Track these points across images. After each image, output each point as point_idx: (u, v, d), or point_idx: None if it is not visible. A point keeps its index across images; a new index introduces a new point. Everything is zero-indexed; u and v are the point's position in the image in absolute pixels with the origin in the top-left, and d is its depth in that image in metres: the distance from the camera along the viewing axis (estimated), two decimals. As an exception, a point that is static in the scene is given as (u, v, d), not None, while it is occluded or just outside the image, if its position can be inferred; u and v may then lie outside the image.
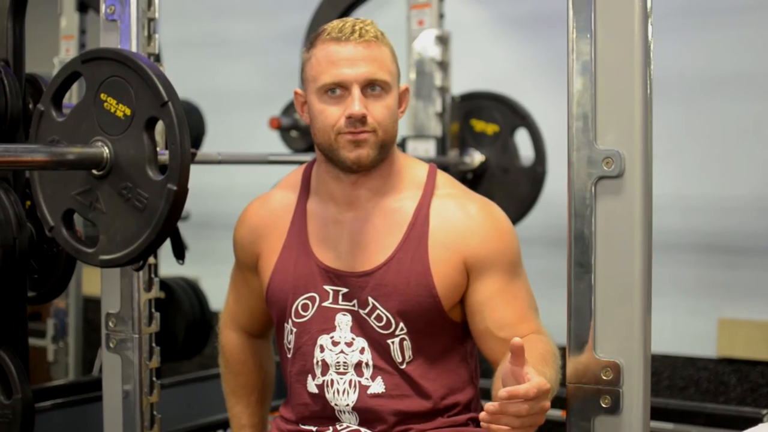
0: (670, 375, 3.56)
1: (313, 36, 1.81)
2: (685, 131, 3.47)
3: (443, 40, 3.22)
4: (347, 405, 1.81)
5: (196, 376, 3.33)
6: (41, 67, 2.75)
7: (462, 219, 1.81)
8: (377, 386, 1.79)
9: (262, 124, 3.34)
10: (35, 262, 2.00)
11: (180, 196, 1.61)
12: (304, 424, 1.87)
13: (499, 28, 3.98)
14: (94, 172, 1.67)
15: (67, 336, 3.79)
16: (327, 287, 1.83)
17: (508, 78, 3.74)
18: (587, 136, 1.48)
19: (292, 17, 3.99)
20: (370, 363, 1.80)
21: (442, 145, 3.21)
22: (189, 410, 2.97)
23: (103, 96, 1.66)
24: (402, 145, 3.18)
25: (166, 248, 1.90)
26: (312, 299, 1.84)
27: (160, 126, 1.67)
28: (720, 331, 3.46)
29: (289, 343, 1.87)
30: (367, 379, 1.80)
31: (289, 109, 3.36)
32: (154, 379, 1.97)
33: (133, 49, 1.88)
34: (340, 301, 1.82)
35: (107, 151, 1.65)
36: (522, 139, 3.25)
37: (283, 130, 3.33)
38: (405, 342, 1.79)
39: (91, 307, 3.71)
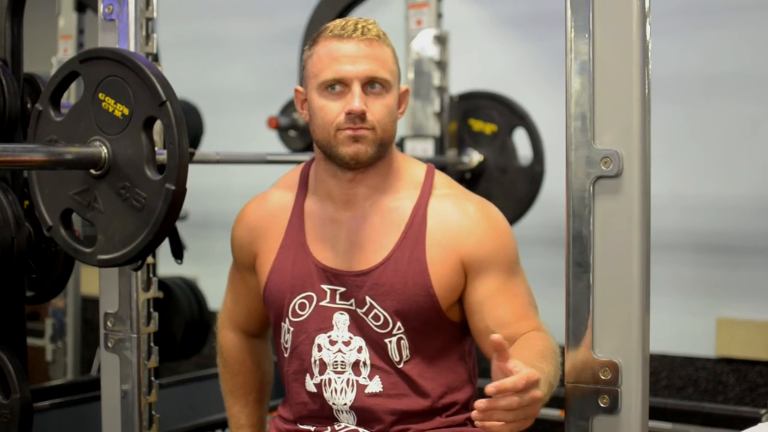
0: (669, 375, 3.56)
1: (315, 34, 1.81)
2: (684, 131, 3.47)
3: (441, 40, 3.22)
4: (345, 404, 1.81)
5: (195, 375, 3.33)
6: (39, 67, 2.75)
7: (459, 219, 1.81)
8: (375, 385, 1.79)
9: (260, 123, 3.34)
10: (33, 261, 2.00)
11: (178, 195, 1.61)
12: (302, 424, 1.87)
13: (497, 28, 3.98)
14: (93, 171, 1.67)
15: (65, 336, 3.79)
16: (324, 286, 1.83)
17: (507, 78, 3.74)
18: (585, 135, 1.48)
19: (290, 17, 3.99)
20: (368, 362, 1.80)
21: (440, 145, 3.22)
22: (187, 410, 2.97)
23: (101, 96, 1.66)
24: (400, 145, 3.19)
25: (165, 248, 1.90)
26: (309, 298, 1.84)
27: (158, 126, 1.67)
28: (718, 330, 3.46)
29: (286, 343, 1.87)
30: (364, 378, 1.80)
31: (287, 108, 3.36)
32: (153, 378, 1.97)
33: (132, 48, 1.88)
34: (337, 301, 1.82)
35: (105, 150, 1.65)
36: (520, 138, 3.25)
37: (282, 130, 3.33)
38: (402, 341, 1.80)
39: (89, 306, 3.71)
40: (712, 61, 3.47)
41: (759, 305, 3.40)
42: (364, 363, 1.80)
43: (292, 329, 1.85)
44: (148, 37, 1.92)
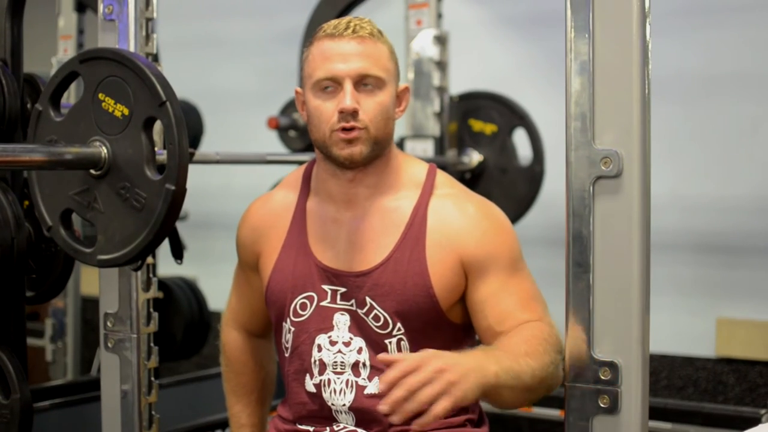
0: (669, 375, 3.56)
1: (312, 34, 1.82)
2: (684, 131, 3.47)
3: (441, 40, 3.22)
4: (344, 405, 1.80)
5: (195, 376, 3.33)
6: (39, 67, 2.75)
7: (459, 219, 1.80)
8: (374, 386, 1.79)
9: (260, 123, 3.34)
10: (33, 261, 2.00)
11: (178, 195, 1.61)
12: (301, 424, 1.87)
13: (497, 28, 3.98)
14: (92, 171, 1.67)
15: (65, 336, 3.80)
16: (325, 287, 1.83)
17: (507, 78, 3.74)
18: (585, 135, 1.48)
19: (290, 17, 3.99)
20: (368, 363, 1.80)
21: (440, 145, 3.22)
22: (187, 410, 2.97)
23: (101, 96, 1.66)
24: (400, 145, 3.19)
25: (165, 248, 1.90)
26: (310, 298, 1.84)
27: (158, 126, 1.67)
28: (718, 330, 3.47)
29: (287, 343, 1.87)
30: (364, 379, 1.80)
31: (287, 109, 3.37)
32: (153, 379, 1.97)
33: (131, 48, 1.88)
34: (338, 301, 1.82)
35: (105, 151, 1.65)
36: (520, 138, 3.25)
37: (282, 130, 3.33)
38: (403, 342, 1.79)
39: (89, 306, 3.72)
40: (712, 61, 3.47)
41: (759, 305, 3.40)
42: (364, 364, 1.80)
43: (293, 329, 1.85)
44: (148, 37, 1.92)
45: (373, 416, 1.79)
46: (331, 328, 1.82)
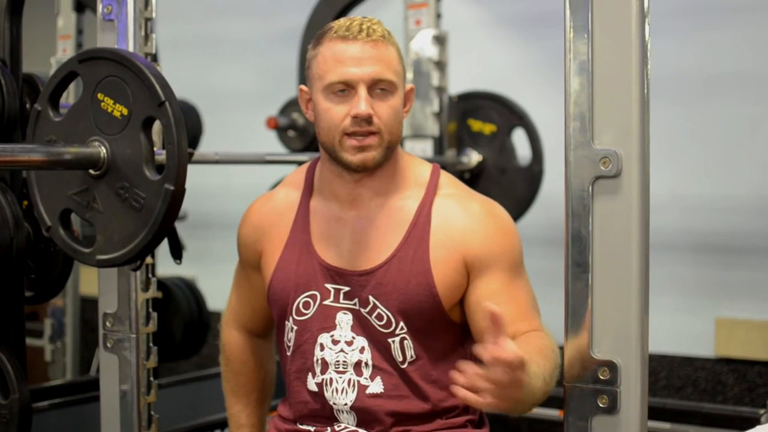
0: (668, 375, 3.56)
1: (319, 33, 1.80)
2: (683, 131, 3.47)
3: (440, 40, 3.22)
4: (345, 404, 1.80)
5: (194, 376, 3.33)
6: (38, 67, 2.74)
7: (463, 219, 1.80)
8: (376, 386, 1.79)
9: (259, 123, 3.34)
10: (32, 261, 2.00)
11: (177, 195, 1.61)
12: (302, 424, 1.87)
13: (496, 28, 3.98)
14: (91, 171, 1.67)
15: (64, 336, 3.80)
16: (328, 285, 1.83)
17: (506, 78, 3.74)
18: (584, 135, 1.48)
19: (289, 17, 3.99)
20: (370, 362, 1.80)
21: (439, 145, 3.22)
22: (186, 410, 2.97)
23: (100, 96, 1.66)
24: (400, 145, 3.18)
25: (164, 248, 1.90)
26: (313, 297, 1.83)
27: (157, 126, 1.67)
28: (717, 330, 3.47)
29: (290, 341, 1.87)
30: (366, 378, 1.80)
31: (286, 108, 3.36)
32: (152, 379, 1.97)
33: (130, 48, 1.88)
34: (341, 300, 1.82)
35: (104, 150, 1.65)
36: (519, 138, 3.26)
37: (281, 130, 3.33)
38: (406, 341, 1.79)
39: (88, 306, 3.71)
40: (712, 61, 3.47)
41: (758, 305, 3.40)
42: (366, 363, 1.80)
43: (295, 328, 1.85)
44: (147, 37, 1.92)
45: (375, 416, 1.79)
46: (333, 327, 1.82)
